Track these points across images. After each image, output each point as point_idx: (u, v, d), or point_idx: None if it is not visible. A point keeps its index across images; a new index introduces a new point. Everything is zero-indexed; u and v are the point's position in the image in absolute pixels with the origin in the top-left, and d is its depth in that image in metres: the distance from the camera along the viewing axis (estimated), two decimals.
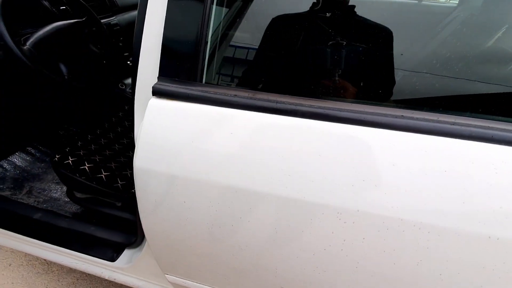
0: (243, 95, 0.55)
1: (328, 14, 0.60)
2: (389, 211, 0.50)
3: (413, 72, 0.59)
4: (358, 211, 0.52)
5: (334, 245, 0.56)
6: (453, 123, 0.48)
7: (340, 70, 0.58)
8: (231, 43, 0.65)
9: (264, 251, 0.62)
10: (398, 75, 0.58)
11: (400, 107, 0.51)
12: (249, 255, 0.64)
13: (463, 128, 0.48)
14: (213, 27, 0.58)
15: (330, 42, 0.58)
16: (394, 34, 0.57)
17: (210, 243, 0.65)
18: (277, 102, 0.53)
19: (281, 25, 0.62)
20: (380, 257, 0.54)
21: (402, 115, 0.50)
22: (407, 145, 0.49)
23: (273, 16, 0.63)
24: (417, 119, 0.49)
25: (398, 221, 0.51)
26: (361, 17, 0.60)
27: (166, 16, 0.56)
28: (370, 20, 0.60)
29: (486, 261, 0.50)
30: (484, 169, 0.47)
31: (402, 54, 0.58)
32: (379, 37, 0.58)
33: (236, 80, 0.64)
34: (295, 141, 0.53)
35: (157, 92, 0.58)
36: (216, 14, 0.59)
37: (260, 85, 0.62)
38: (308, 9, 0.61)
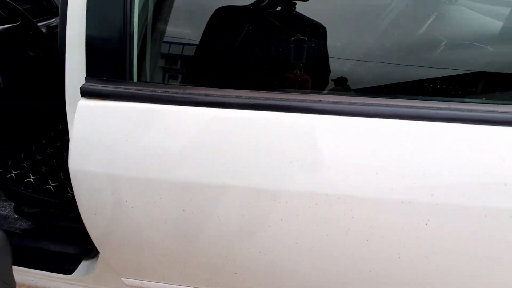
0: (173, 90, 0.56)
1: (274, 9, 0.62)
2: (315, 188, 0.55)
3: (340, 60, 0.64)
4: (289, 191, 0.56)
5: (273, 225, 0.60)
6: (363, 104, 0.54)
7: (301, 64, 0.60)
8: (165, 37, 0.65)
9: (210, 240, 0.64)
10: (337, 66, 0.63)
11: (317, 93, 0.56)
12: (198, 246, 0.66)
13: (370, 107, 0.53)
14: (138, 20, 0.58)
15: (275, 36, 0.60)
16: (337, 28, 0.62)
17: (158, 239, 0.66)
18: (206, 95, 0.56)
19: (225, 17, 0.63)
20: (315, 231, 0.59)
21: (320, 100, 0.55)
22: (325, 126, 0.54)
23: (208, 6, 0.62)
24: (332, 102, 0.54)
25: (324, 196, 0.55)
26: (299, 13, 0.64)
27: (87, 10, 0.55)
28: (307, 17, 0.64)
29: (403, 225, 0.57)
30: (391, 142, 0.53)
31: (339, 46, 0.63)
32: (316, 32, 0.62)
33: (173, 76, 0.65)
34: (226, 132, 0.55)
35: (86, 93, 0.57)
36: (141, 5, 0.58)
37: (203, 80, 0.63)
38: (252, 2, 0.63)
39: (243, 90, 0.56)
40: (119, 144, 0.57)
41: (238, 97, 0.56)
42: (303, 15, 0.63)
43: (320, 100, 0.55)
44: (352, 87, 0.59)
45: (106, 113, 0.57)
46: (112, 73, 0.57)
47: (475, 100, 0.56)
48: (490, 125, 0.52)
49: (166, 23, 0.65)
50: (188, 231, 0.64)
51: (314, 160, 0.55)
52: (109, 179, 0.60)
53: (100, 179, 0.60)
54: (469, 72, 0.59)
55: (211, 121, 0.56)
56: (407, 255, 0.60)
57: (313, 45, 0.62)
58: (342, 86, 0.60)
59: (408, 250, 0.59)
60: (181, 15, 0.65)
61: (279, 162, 0.55)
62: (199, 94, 0.56)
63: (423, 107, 0.53)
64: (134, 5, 0.56)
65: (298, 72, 0.62)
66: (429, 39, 0.64)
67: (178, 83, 0.61)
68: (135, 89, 0.57)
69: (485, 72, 0.60)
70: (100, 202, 0.63)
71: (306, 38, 0.61)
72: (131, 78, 0.58)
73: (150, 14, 0.62)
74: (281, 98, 0.55)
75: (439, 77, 0.59)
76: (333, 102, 0.54)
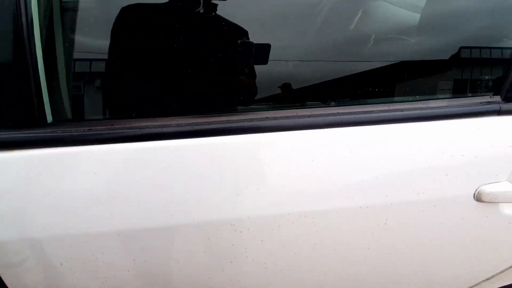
0: (99, 127, 0.48)
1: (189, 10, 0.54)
2: (276, 209, 0.52)
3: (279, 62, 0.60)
4: (249, 217, 0.52)
5: (238, 256, 0.56)
6: (310, 115, 0.53)
7: (246, 69, 0.54)
8: (83, 62, 0.55)
9: (172, 285, 0.58)
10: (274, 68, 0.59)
11: (263, 110, 0.53)
12: None
13: (318, 118, 0.52)
14: (42, 42, 0.47)
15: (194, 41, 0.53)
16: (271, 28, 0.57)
17: None
18: (140, 128, 0.49)
19: (134, 19, 0.52)
20: (282, 252, 0.57)
21: (267, 117, 0.52)
22: (276, 144, 0.52)
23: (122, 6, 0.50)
24: (280, 118, 0.52)
25: (285, 216, 0.53)
26: (220, 16, 0.58)
27: None
28: (229, 20, 0.59)
29: (365, 228, 0.57)
30: (342, 150, 0.53)
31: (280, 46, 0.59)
32: (238, 36, 0.57)
33: (98, 109, 0.56)
34: (169, 166, 0.49)
35: None
36: (43, 23, 0.47)
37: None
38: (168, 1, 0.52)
39: (182, 117, 0.51)
40: (39, 200, 0.47)
41: (177, 125, 0.50)
42: (228, 20, 0.57)
43: (267, 117, 0.52)
44: (297, 97, 0.58)
45: (17, 166, 0.46)
46: (18, 117, 0.47)
47: (410, 99, 0.59)
48: (426, 121, 0.55)
49: (83, 44, 0.54)
50: (144, 282, 0.56)
51: (270, 181, 0.52)
52: (33, 244, 0.49)
53: (23, 246, 0.49)
54: (401, 70, 0.63)
55: (150, 156, 0.49)
56: (372, 256, 0.61)
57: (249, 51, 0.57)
58: (285, 93, 0.57)
59: (373, 251, 0.60)
60: (103, 30, 0.56)
61: (234, 189, 0.51)
62: (131, 128, 0.49)
63: (366, 112, 0.54)
64: (32, 23, 0.45)
65: (242, 78, 0.57)
66: (361, 35, 0.65)
67: (105, 118, 0.53)
68: (50, 132, 0.47)
69: (416, 69, 0.64)
70: (29, 273, 0.51)
71: (244, 42, 0.55)
72: (44, 119, 0.48)
73: (58, 33, 0.52)
74: (226, 121, 0.51)
75: (377, 79, 0.61)
76: (280, 118, 0.52)
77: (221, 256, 0.55)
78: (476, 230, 0.62)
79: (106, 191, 0.48)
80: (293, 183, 0.52)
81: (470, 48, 0.62)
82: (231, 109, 0.53)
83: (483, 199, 0.57)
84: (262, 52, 0.56)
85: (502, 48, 0.61)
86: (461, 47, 0.62)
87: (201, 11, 0.53)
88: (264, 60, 0.55)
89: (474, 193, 0.57)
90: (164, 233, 0.51)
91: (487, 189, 0.57)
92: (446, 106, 0.57)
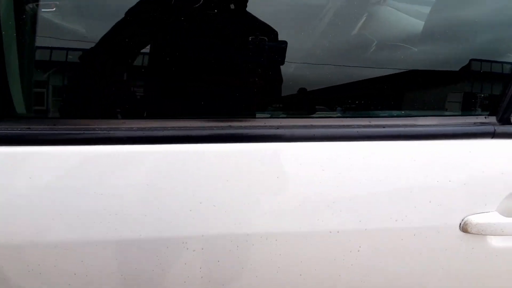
0: (40, 127, 0.43)
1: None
2: (233, 229, 0.47)
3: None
4: (203, 236, 0.47)
5: (192, 275, 0.50)
6: (279, 127, 0.47)
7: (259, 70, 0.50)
8: (29, 50, 0.48)
9: None
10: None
11: (226, 117, 0.48)
12: None
13: (286, 130, 0.47)
14: None
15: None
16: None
17: None
18: (84, 130, 0.44)
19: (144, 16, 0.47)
20: (241, 274, 0.51)
21: (230, 125, 0.46)
22: (236, 156, 0.46)
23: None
24: (244, 127, 0.47)
25: (244, 236, 0.48)
26: (251, 14, 0.51)
27: None
28: (259, 19, 0.54)
29: (335, 254, 0.52)
30: (312, 168, 0.47)
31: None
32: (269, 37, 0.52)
33: (41, 107, 0.50)
34: (114, 173, 0.44)
35: None
36: None
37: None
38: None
39: (135, 120, 0.46)
40: None
41: (128, 129, 0.45)
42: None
43: (230, 126, 0.47)
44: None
45: None
46: None
47: (395, 114, 0.53)
48: (410, 140, 0.49)
49: (30, 29, 0.47)
50: None
51: (228, 197, 0.46)
52: None
53: None
54: (386, 81, 0.56)
55: (92, 162, 0.44)
56: (343, 284, 0.55)
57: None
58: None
59: (344, 278, 0.55)
60: (65, 16, 0.50)
61: (187, 203, 0.46)
62: (75, 129, 0.44)
63: (343, 126, 0.49)
64: None
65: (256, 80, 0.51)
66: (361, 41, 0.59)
67: (48, 116, 0.48)
68: None
69: (404, 80, 0.58)
70: None
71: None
72: None
73: (8, 22, 0.47)
74: (183, 127, 0.46)
75: (358, 89, 0.55)
76: (245, 127, 0.47)
77: (173, 274, 0.50)
78: (461, 262, 0.56)
79: (41, 198, 0.43)
80: (255, 201, 0.47)
81: (467, 62, 0.55)
82: (191, 115, 0.48)
83: (470, 230, 0.51)
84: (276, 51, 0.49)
85: (501, 63, 0.55)
86: (458, 61, 0.56)
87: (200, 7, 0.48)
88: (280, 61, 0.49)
89: (460, 223, 0.52)
90: (106, 248, 0.46)
91: (475, 219, 0.51)
92: (435, 125, 0.51)
